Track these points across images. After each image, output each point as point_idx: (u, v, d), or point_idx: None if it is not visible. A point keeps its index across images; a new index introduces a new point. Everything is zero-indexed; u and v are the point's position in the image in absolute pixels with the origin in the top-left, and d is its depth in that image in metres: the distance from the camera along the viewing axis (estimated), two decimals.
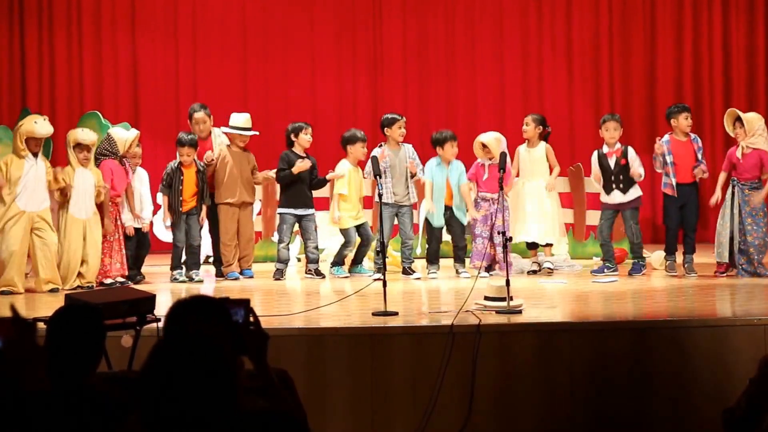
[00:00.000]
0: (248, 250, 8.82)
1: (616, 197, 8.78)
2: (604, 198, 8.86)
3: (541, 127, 8.99)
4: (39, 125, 7.85)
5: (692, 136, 8.70)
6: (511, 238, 7.48)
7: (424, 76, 12.07)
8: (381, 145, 8.74)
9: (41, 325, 3.51)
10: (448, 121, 11.33)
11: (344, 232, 8.87)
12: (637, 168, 8.74)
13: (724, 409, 4.02)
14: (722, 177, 8.52)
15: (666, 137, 8.70)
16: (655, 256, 9.30)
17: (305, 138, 8.73)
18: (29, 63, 11.74)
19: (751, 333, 5.83)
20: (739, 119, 8.40)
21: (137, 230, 8.59)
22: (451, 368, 5.60)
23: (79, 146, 8.08)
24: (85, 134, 8.16)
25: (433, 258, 8.87)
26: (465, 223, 8.92)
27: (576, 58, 12.17)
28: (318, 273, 8.73)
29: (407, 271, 8.72)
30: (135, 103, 11.81)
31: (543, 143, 8.99)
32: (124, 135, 8.48)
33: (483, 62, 12.11)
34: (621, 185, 8.75)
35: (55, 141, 9.11)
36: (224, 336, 2.80)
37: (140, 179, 8.83)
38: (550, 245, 9.06)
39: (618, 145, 8.82)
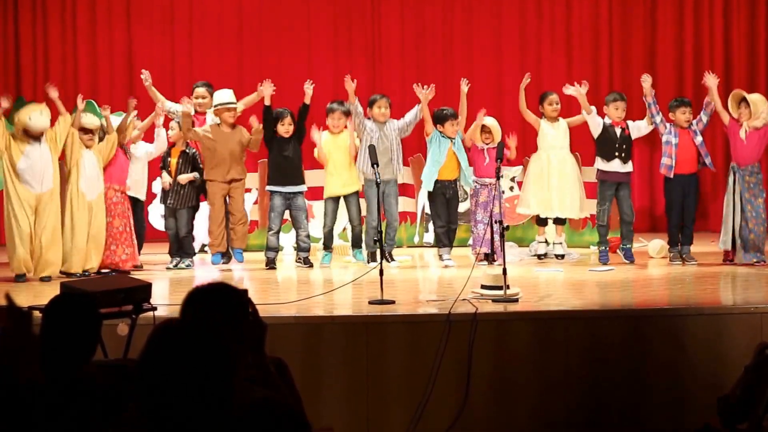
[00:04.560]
0: (239, 227, 8.63)
1: (615, 166, 8.77)
2: (602, 166, 8.81)
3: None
4: (33, 121, 7.81)
5: (694, 129, 8.67)
6: (508, 227, 7.48)
7: (422, 65, 12.00)
8: (370, 118, 8.81)
9: (37, 313, 3.51)
10: None
11: (325, 204, 8.90)
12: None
13: (720, 397, 4.03)
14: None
15: (670, 125, 8.72)
16: (653, 244, 9.29)
17: (281, 129, 8.74)
18: (23, 50, 11.66)
19: (748, 321, 5.85)
20: (744, 100, 8.38)
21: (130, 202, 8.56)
22: (448, 357, 5.61)
23: (83, 129, 8.13)
24: (88, 119, 8.21)
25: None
26: (468, 190, 9.11)
27: (575, 46, 12.08)
28: (306, 262, 8.71)
29: (386, 256, 8.55)
30: (130, 92, 11.73)
31: (561, 118, 9.10)
32: (113, 123, 8.46)
33: (481, 51, 12.05)
34: (623, 154, 8.77)
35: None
36: (232, 325, 2.81)
37: (141, 154, 8.83)
38: (562, 224, 9.04)
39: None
